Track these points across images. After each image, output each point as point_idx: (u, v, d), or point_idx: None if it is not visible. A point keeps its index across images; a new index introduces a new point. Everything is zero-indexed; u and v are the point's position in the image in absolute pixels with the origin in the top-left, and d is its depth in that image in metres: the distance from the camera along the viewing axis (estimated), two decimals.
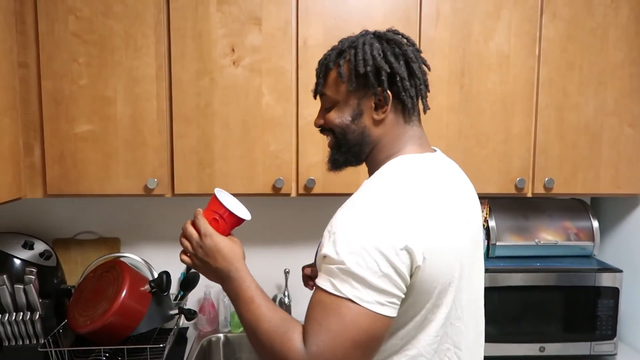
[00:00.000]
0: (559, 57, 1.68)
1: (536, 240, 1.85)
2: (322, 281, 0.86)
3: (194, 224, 1.02)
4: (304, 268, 1.33)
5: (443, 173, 0.99)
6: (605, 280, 1.75)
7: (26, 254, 1.73)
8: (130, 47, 1.57)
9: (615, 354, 1.78)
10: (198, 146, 1.61)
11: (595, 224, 1.88)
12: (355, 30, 1.58)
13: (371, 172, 1.03)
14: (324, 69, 1.03)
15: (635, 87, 1.71)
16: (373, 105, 0.98)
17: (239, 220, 1.04)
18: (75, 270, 1.92)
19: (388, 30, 1.02)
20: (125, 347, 1.58)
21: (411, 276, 0.85)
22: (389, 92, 0.96)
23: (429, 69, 1.03)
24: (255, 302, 0.92)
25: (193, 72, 1.59)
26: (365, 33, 1.03)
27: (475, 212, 1.03)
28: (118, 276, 1.60)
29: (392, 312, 0.84)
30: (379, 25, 1.59)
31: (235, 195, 1.62)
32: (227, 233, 1.03)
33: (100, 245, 1.96)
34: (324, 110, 1.05)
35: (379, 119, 0.98)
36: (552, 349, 1.76)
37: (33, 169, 1.60)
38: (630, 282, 1.86)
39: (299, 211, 2.03)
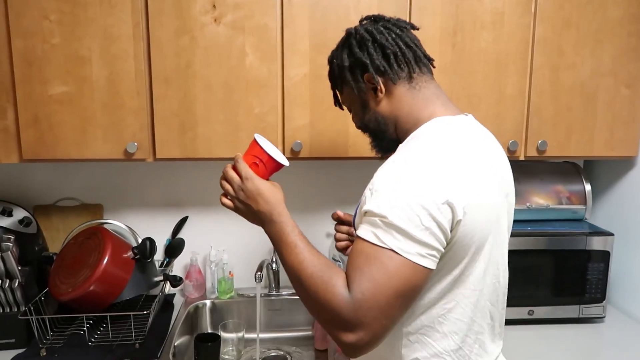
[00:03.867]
0: (555, 15, 1.61)
1: (527, 204, 1.82)
2: (364, 232, 0.88)
3: (234, 168, 1.05)
4: (334, 214, 1.34)
5: (476, 134, 1.01)
6: (596, 243, 1.73)
7: (5, 221, 1.68)
8: (104, 3, 1.48)
9: (604, 317, 1.78)
10: (179, 109, 1.55)
11: (588, 187, 1.85)
12: None
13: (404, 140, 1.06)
14: (331, 85, 1.17)
15: (633, 45, 1.65)
16: (371, 91, 1.05)
17: (278, 166, 1.06)
18: (57, 237, 1.88)
19: (361, 22, 1.10)
20: (108, 314, 1.56)
21: (451, 230, 0.88)
22: (373, 74, 1.03)
23: (411, 28, 1.08)
24: (299, 246, 0.95)
25: (172, 31, 1.51)
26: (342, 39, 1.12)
27: (508, 175, 1.05)
28: (100, 243, 1.56)
29: (431, 264, 0.87)
30: None
31: (219, 160, 1.58)
32: (266, 178, 1.06)
33: (82, 212, 1.91)
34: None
35: (380, 99, 1.05)
36: (540, 312, 1.76)
37: (7, 133, 1.52)
38: (621, 246, 1.84)
39: (286, 175, 1.96)
